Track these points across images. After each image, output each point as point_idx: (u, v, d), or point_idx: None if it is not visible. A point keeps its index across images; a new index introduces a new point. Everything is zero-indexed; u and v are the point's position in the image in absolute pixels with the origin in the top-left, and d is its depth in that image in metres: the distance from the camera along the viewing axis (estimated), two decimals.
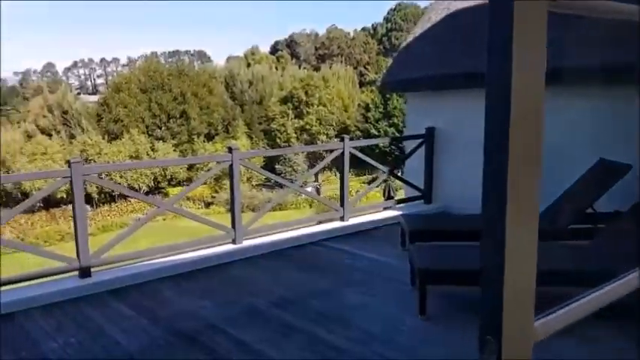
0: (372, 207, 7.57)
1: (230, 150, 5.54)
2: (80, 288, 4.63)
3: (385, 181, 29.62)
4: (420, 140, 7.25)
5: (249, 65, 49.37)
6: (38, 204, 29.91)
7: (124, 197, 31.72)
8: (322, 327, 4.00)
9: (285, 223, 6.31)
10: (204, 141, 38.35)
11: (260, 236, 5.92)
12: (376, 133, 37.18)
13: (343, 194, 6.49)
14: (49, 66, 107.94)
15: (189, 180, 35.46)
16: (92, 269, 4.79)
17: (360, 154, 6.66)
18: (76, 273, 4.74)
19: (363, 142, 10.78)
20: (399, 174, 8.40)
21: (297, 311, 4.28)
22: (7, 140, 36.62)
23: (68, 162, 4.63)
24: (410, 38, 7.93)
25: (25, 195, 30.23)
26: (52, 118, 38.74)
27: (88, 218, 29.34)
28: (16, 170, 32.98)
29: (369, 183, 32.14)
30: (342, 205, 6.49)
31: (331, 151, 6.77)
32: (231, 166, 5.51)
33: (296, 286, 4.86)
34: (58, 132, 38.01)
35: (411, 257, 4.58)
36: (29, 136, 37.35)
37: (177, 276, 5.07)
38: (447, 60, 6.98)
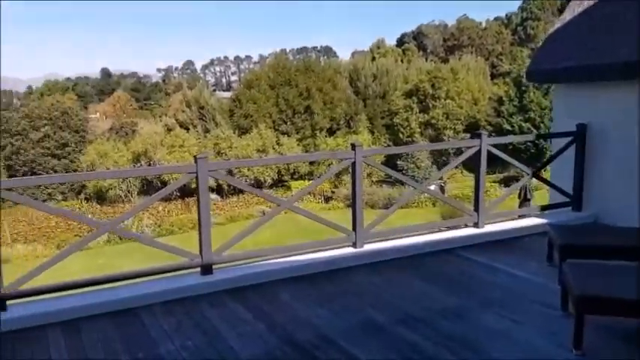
0: (510, 212, 6.76)
1: (353, 147, 5.17)
2: (201, 285, 4.55)
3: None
4: (569, 138, 6.32)
5: (374, 59, 49.03)
6: (175, 193, 32.28)
7: None
8: (452, 353, 3.47)
9: (411, 227, 5.79)
10: (326, 136, 38.82)
11: (383, 240, 5.48)
12: (509, 129, 34.85)
13: (478, 197, 5.82)
14: (189, 64, 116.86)
15: (311, 174, 36.08)
16: (214, 267, 4.69)
17: (499, 153, 5.95)
18: (198, 269, 4.67)
19: (503, 139, 9.71)
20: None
21: (423, 331, 3.79)
22: (149, 132, 40.12)
23: (195, 157, 4.56)
24: (558, 24, 7.00)
25: (164, 184, 32.85)
26: (190, 112, 41.62)
27: (218, 208, 31.17)
28: (156, 160, 35.95)
29: (500, 182, 30.32)
30: (476, 209, 5.83)
31: (459, 149, 6.12)
32: (353, 163, 5.14)
33: (423, 300, 4.35)
34: (195, 126, 40.77)
35: (563, 277, 3.86)
36: (169, 129, 40.51)
37: (296, 279, 4.82)
38: (603, 48, 6.01)
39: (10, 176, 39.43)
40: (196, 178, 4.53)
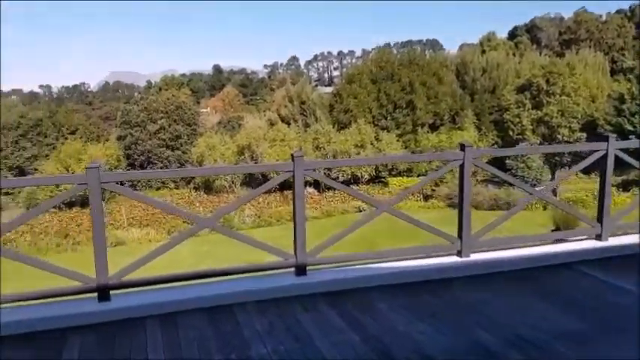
0: (636, 224, 5.95)
1: (462, 147, 4.75)
2: (295, 287, 4.43)
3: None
4: None
5: (483, 52, 46.86)
6: (276, 186, 33.04)
7: (348, 184, 33.03)
8: None
9: (525, 237, 5.26)
10: (428, 131, 37.69)
11: (491, 250, 5.02)
12: (631, 129, 31.68)
13: (603, 207, 5.16)
14: (293, 59, 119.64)
15: (409, 170, 35.21)
16: (307, 268, 4.55)
17: (629, 159, 5.24)
18: (292, 269, 4.55)
19: (634, 144, 8.57)
20: None
21: (538, 357, 3.36)
22: (254, 126, 41.43)
23: (292, 156, 4.43)
24: None
25: (265, 177, 33.87)
26: (292, 107, 42.41)
27: (315, 202, 31.48)
28: (259, 154, 37.04)
29: (618, 186, 27.61)
30: (599, 220, 5.18)
31: (578, 154, 5.47)
32: (462, 165, 4.73)
33: (538, 321, 3.88)
34: (296, 121, 41.48)
35: None
36: (271, 124, 41.58)
37: (394, 287, 4.53)
38: None
39: (130, 164, 42.65)
40: (293, 177, 4.40)
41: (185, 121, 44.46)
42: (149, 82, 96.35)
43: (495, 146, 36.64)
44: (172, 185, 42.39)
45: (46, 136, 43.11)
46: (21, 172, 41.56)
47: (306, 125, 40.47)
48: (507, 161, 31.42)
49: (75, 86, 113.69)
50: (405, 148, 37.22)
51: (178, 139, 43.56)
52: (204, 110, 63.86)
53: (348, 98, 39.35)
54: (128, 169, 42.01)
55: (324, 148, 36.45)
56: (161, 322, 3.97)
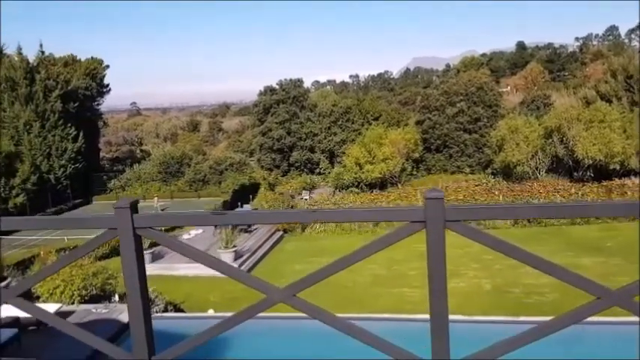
0: None
1: None
2: None
3: None
4: None
5: None
6: (588, 173, 30.40)
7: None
8: None
9: None
10: None
11: None
12: None
13: None
14: (612, 29, 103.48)
15: None
16: None
17: None
18: None
19: None
20: None
21: None
22: (564, 105, 36.63)
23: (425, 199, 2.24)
24: None
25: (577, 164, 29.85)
26: (614, 83, 35.98)
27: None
28: (570, 137, 32.46)
29: None
30: None
31: None
32: None
33: None
34: (619, 98, 35.12)
35: None
36: (587, 103, 36.09)
37: None
38: None
39: (426, 148, 42.81)
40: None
41: (485, 102, 42.40)
42: (447, 66, 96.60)
43: None
44: (468, 170, 41.34)
45: (353, 122, 46.45)
46: (331, 154, 45.80)
47: (633, 103, 33.84)
48: None
49: (379, 74, 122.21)
50: None
51: (477, 122, 41.87)
52: (505, 90, 60.32)
53: None
54: (424, 153, 42.45)
55: None
56: None
